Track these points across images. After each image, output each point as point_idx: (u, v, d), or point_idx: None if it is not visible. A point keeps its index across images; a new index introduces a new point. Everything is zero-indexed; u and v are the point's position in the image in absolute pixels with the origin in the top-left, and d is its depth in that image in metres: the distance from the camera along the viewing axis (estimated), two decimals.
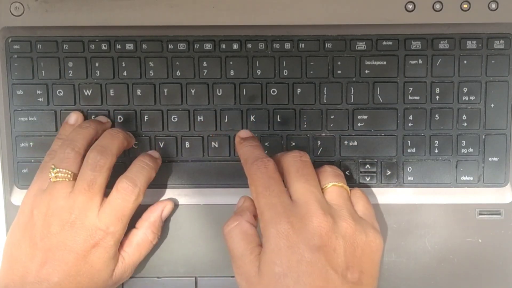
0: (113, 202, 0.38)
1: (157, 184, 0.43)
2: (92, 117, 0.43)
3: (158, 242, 0.43)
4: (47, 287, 0.36)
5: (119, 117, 0.43)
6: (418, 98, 0.43)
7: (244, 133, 0.41)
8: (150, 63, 0.43)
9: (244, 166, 0.39)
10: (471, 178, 0.44)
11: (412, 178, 0.44)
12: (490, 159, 0.43)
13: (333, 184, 0.38)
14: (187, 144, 0.44)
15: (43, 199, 0.38)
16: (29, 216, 0.38)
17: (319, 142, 0.43)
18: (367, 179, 0.44)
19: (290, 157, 0.38)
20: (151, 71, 0.43)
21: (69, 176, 0.38)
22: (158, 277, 0.44)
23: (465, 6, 0.42)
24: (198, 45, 0.43)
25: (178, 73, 0.43)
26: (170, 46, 0.43)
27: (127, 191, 0.38)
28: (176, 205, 0.44)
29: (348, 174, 0.44)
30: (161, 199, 0.43)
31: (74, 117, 0.42)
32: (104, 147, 0.39)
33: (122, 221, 0.38)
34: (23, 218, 0.38)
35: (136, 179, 0.39)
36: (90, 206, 0.37)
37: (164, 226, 0.44)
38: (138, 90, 0.43)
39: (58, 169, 0.38)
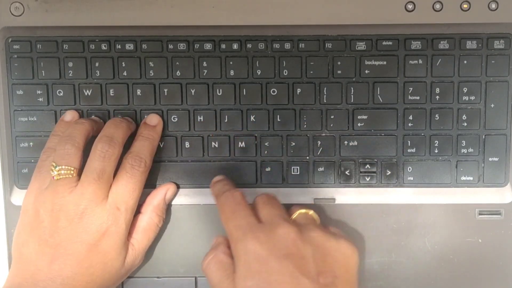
0: (121, 180, 0.39)
1: (157, 184, 0.43)
2: (92, 117, 0.43)
3: (158, 242, 0.43)
4: (60, 283, 0.37)
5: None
6: (418, 98, 0.43)
7: (217, 178, 0.43)
8: (150, 63, 0.43)
9: (215, 201, 0.40)
10: (471, 178, 0.44)
11: (412, 178, 0.44)
12: (490, 159, 0.43)
13: (300, 212, 0.39)
14: (187, 144, 0.44)
15: (47, 196, 0.38)
16: (34, 215, 0.38)
17: (319, 142, 0.43)
18: (367, 179, 0.44)
19: (258, 196, 0.40)
20: (151, 71, 0.43)
21: (71, 172, 0.38)
22: (158, 277, 0.44)
23: (465, 6, 0.42)
24: (198, 45, 0.43)
25: (178, 73, 0.43)
26: (170, 46, 0.43)
27: (134, 165, 0.39)
28: (178, 188, 0.44)
29: (348, 174, 0.44)
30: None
31: (70, 115, 0.43)
32: (110, 137, 0.39)
33: (132, 196, 0.39)
34: (27, 218, 0.38)
35: (140, 153, 0.40)
36: (100, 195, 0.38)
37: (164, 226, 0.44)
38: (138, 90, 0.43)
39: (60, 167, 0.38)
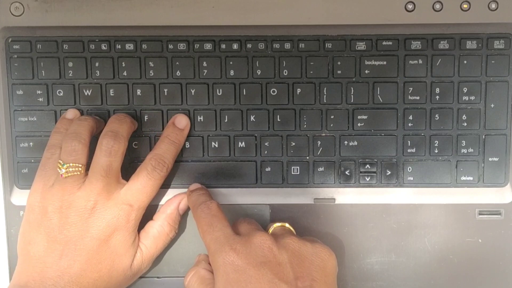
0: (140, 179, 0.39)
1: None
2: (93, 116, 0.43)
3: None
4: (68, 280, 0.37)
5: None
6: (418, 98, 0.43)
7: (193, 186, 0.43)
8: (150, 63, 0.43)
9: (192, 213, 0.40)
10: (471, 178, 0.44)
11: (412, 178, 0.44)
12: (490, 159, 0.43)
13: (275, 225, 0.40)
14: (187, 144, 0.44)
15: (54, 194, 0.38)
16: (41, 213, 0.38)
17: (319, 142, 0.43)
18: (367, 179, 0.44)
19: (237, 220, 0.40)
20: (151, 71, 0.43)
21: (79, 169, 0.38)
22: (158, 277, 0.44)
23: (465, 6, 0.42)
24: (198, 45, 0.43)
25: (178, 73, 0.43)
26: (170, 46, 0.43)
27: (156, 168, 0.40)
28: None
29: (348, 174, 0.44)
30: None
31: (72, 112, 0.43)
32: (115, 132, 0.39)
33: (148, 196, 0.39)
34: (34, 216, 0.38)
35: (164, 157, 0.40)
36: (109, 190, 0.38)
37: None
38: (138, 90, 0.43)
39: (68, 164, 0.38)
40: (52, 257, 0.37)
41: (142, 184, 0.39)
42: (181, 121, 0.43)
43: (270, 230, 0.40)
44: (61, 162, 0.38)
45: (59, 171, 0.38)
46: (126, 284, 0.41)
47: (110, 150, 0.38)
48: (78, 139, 0.39)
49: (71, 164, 0.38)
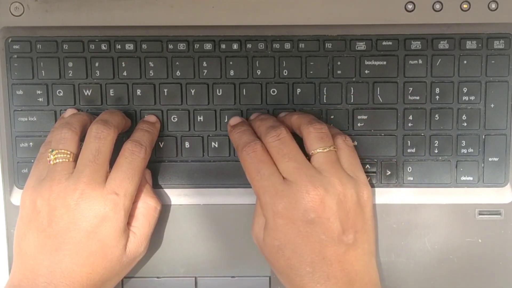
0: (121, 164, 0.38)
1: (157, 184, 0.43)
2: None
3: (158, 242, 0.43)
4: (60, 275, 0.36)
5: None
6: (418, 98, 0.43)
7: (233, 120, 0.43)
8: (150, 63, 0.43)
9: (237, 153, 0.40)
10: (471, 178, 0.44)
11: (412, 178, 0.44)
12: (490, 159, 0.43)
13: (319, 151, 0.39)
14: (187, 144, 0.44)
15: (44, 185, 0.37)
16: (31, 207, 0.37)
17: None
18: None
19: (269, 138, 0.39)
20: (151, 71, 0.43)
21: (68, 156, 0.38)
22: (158, 277, 0.44)
23: (465, 6, 0.42)
24: (198, 45, 0.43)
25: (178, 73, 0.43)
26: (170, 46, 0.43)
27: (134, 150, 0.39)
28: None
29: None
30: (160, 199, 0.43)
31: (70, 112, 0.42)
32: (105, 120, 0.39)
33: (131, 182, 0.38)
34: (25, 211, 0.38)
35: (140, 140, 0.40)
36: (96, 179, 0.37)
37: (164, 226, 0.44)
38: (138, 90, 0.43)
39: (56, 150, 0.38)
40: (43, 252, 0.36)
41: (123, 170, 0.38)
42: (151, 117, 0.43)
43: (313, 153, 0.39)
44: (50, 150, 0.38)
45: (48, 158, 0.38)
46: (126, 270, 0.40)
47: (99, 135, 0.38)
48: (68, 127, 0.39)
49: (59, 150, 0.38)
